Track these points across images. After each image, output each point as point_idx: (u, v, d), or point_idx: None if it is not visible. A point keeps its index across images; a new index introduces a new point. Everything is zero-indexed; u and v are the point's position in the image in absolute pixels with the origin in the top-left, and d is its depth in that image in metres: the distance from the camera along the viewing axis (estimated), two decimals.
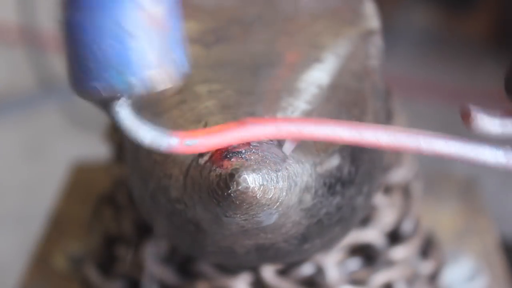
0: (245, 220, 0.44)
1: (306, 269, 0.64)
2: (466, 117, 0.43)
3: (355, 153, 0.50)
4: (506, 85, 0.44)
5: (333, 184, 0.49)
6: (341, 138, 0.43)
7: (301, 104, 0.50)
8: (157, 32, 0.39)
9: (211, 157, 0.44)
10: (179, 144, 0.42)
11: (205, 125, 0.47)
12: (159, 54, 0.39)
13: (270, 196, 0.43)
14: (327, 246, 0.58)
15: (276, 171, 0.43)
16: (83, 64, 0.40)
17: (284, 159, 0.44)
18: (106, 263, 0.70)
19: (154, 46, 0.39)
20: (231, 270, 0.63)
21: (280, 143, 0.45)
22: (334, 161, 0.49)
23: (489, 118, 0.43)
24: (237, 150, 0.43)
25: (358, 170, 0.51)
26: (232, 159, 0.43)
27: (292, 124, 0.43)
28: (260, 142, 0.44)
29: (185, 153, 0.43)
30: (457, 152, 0.44)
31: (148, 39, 0.39)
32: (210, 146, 0.43)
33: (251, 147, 0.43)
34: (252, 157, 0.43)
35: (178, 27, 0.40)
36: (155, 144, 0.41)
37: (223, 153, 0.43)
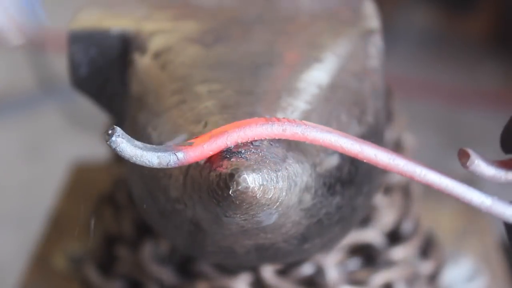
0: (245, 220, 0.44)
1: (306, 269, 0.64)
2: (464, 159, 0.45)
3: None
4: (502, 144, 0.46)
5: (333, 184, 0.49)
6: (342, 147, 0.44)
7: (301, 104, 0.50)
8: None
9: (211, 157, 0.44)
10: (186, 156, 0.42)
11: (205, 125, 0.47)
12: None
13: (270, 196, 0.43)
14: (327, 246, 0.58)
15: (276, 171, 0.43)
16: None
17: (284, 159, 0.44)
18: (106, 263, 0.70)
19: None
20: (231, 270, 0.63)
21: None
22: (334, 161, 0.49)
23: (485, 165, 0.45)
24: (237, 150, 0.43)
25: (358, 170, 0.51)
26: (232, 159, 0.42)
27: (297, 126, 0.44)
28: (260, 142, 0.44)
29: (194, 162, 0.43)
30: (447, 187, 0.45)
31: None
32: (217, 149, 0.43)
33: (251, 147, 0.43)
34: (252, 157, 0.43)
35: None
36: (163, 164, 0.42)
37: (222, 153, 0.43)
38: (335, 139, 0.44)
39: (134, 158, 0.41)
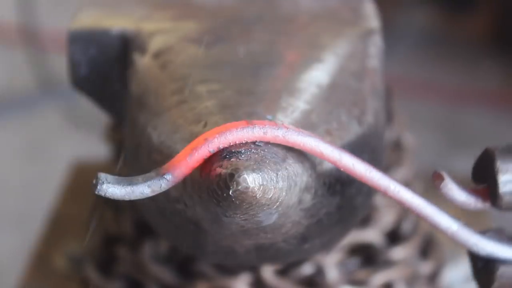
0: (245, 220, 0.44)
1: (306, 269, 0.64)
2: (438, 181, 0.45)
3: (355, 153, 0.50)
4: (473, 175, 0.47)
5: (333, 184, 0.49)
6: (322, 153, 0.45)
7: (300, 104, 0.50)
8: None
9: (210, 157, 0.43)
10: (174, 175, 0.43)
11: (205, 125, 0.47)
12: None
13: (270, 196, 0.43)
14: (327, 246, 0.58)
15: (276, 171, 0.43)
16: None
17: (284, 159, 0.44)
18: (106, 263, 0.70)
19: None
20: (231, 270, 0.63)
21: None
22: None
23: (458, 190, 0.45)
24: (237, 150, 0.43)
25: None
26: (231, 159, 0.42)
27: (278, 129, 0.44)
28: (260, 142, 0.44)
29: (185, 177, 0.43)
30: (417, 207, 0.46)
31: None
32: (201, 158, 0.43)
33: (251, 147, 0.43)
34: (252, 157, 0.43)
35: None
36: (156, 190, 0.43)
37: (222, 153, 0.43)
38: (316, 144, 0.44)
39: (127, 196, 0.43)
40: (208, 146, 0.43)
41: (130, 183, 0.42)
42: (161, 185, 0.43)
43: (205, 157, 0.43)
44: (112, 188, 0.42)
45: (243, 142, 0.43)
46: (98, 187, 0.42)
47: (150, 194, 0.43)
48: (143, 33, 0.59)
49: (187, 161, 0.43)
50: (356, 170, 0.45)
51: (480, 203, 0.46)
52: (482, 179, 0.46)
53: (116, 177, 0.42)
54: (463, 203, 0.46)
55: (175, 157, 0.43)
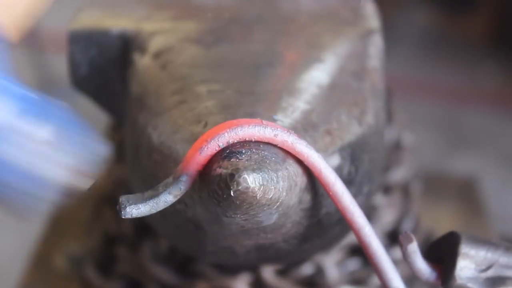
0: (246, 220, 0.44)
1: (306, 269, 0.64)
2: (406, 241, 0.46)
3: (355, 154, 0.50)
4: (429, 251, 0.48)
5: None
6: (320, 171, 0.45)
7: (301, 104, 0.50)
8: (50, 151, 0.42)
9: (211, 157, 0.43)
10: (188, 175, 0.43)
11: (205, 125, 0.47)
12: (62, 166, 0.42)
13: (270, 196, 0.43)
14: (327, 246, 0.58)
15: (276, 171, 0.43)
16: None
17: (285, 159, 0.44)
18: (106, 263, 0.70)
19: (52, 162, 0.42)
20: (231, 270, 0.63)
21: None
22: (334, 161, 0.49)
23: (420, 257, 0.47)
24: (237, 150, 0.43)
25: (358, 170, 0.51)
26: (232, 159, 0.42)
27: (289, 135, 0.44)
28: (260, 142, 0.44)
29: (199, 171, 0.43)
30: (379, 257, 0.47)
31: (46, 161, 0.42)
32: (211, 152, 0.43)
33: (251, 147, 0.43)
34: (252, 157, 0.43)
35: (75, 132, 0.43)
36: (179, 194, 0.43)
37: (222, 154, 0.43)
38: (318, 161, 0.45)
39: (153, 209, 0.43)
40: (218, 140, 0.43)
41: (152, 196, 0.43)
42: (180, 188, 0.43)
43: (215, 151, 0.43)
44: (136, 208, 0.42)
45: (252, 140, 0.43)
46: (122, 212, 0.42)
47: (174, 200, 0.43)
48: (143, 33, 0.59)
49: (198, 156, 0.43)
50: (343, 199, 0.45)
51: (434, 278, 0.47)
52: (437, 258, 0.47)
53: (137, 194, 0.43)
54: (418, 271, 0.46)
55: (185, 156, 0.43)
